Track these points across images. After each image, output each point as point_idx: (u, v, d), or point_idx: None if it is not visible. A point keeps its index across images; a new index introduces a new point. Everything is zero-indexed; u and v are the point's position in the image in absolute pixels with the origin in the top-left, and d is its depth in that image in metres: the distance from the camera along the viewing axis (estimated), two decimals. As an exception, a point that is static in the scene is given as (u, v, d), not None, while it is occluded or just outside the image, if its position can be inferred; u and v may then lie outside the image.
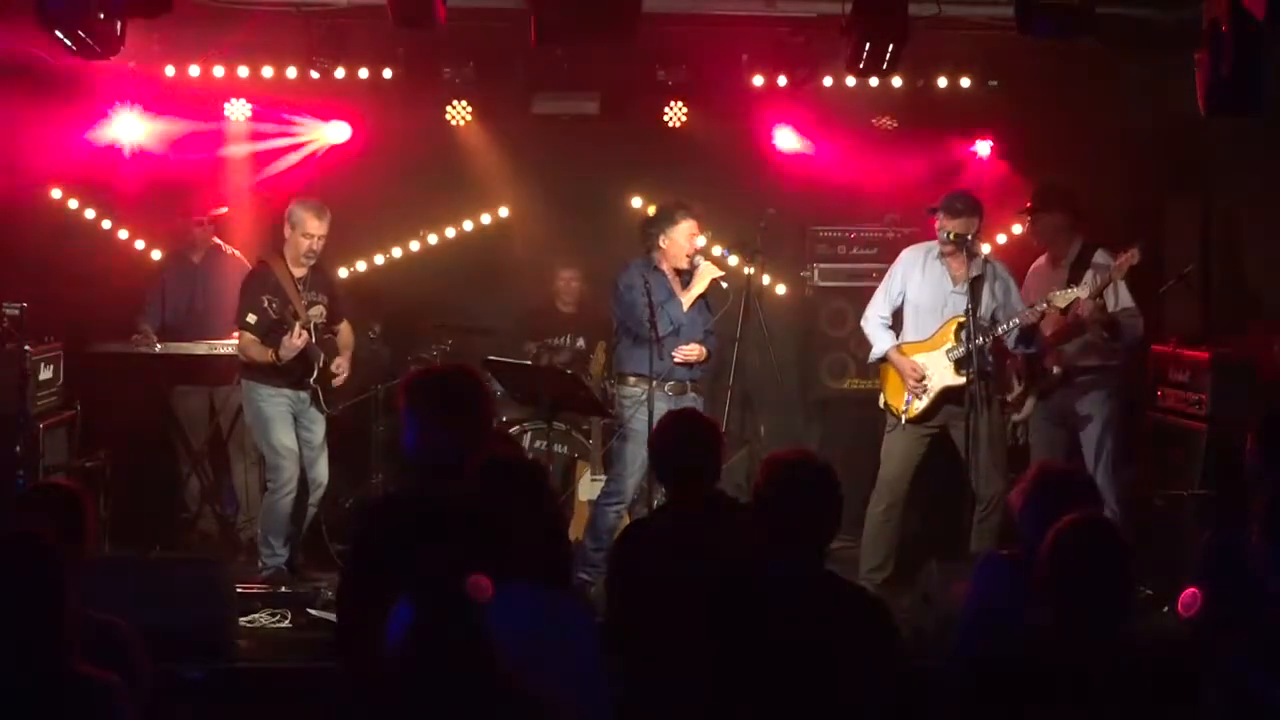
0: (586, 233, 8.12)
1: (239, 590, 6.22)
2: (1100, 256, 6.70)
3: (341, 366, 6.98)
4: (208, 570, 6.10)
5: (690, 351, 6.84)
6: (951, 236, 6.67)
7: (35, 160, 7.86)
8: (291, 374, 6.81)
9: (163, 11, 6.10)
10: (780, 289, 8.43)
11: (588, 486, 7.55)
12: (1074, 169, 8.09)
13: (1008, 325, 6.67)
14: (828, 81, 7.76)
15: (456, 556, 3.24)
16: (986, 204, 7.76)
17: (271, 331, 6.76)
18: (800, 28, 7.29)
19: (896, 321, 6.98)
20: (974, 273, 6.67)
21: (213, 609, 5.71)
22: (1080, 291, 6.57)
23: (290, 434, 6.84)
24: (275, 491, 6.82)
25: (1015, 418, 6.94)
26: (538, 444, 7.46)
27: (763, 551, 3.58)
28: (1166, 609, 6.46)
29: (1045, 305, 6.62)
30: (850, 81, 7.55)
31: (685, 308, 6.88)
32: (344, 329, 7.19)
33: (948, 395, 6.72)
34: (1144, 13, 6.77)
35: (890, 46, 6.34)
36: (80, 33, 5.80)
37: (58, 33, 5.78)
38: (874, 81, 7.40)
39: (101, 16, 5.85)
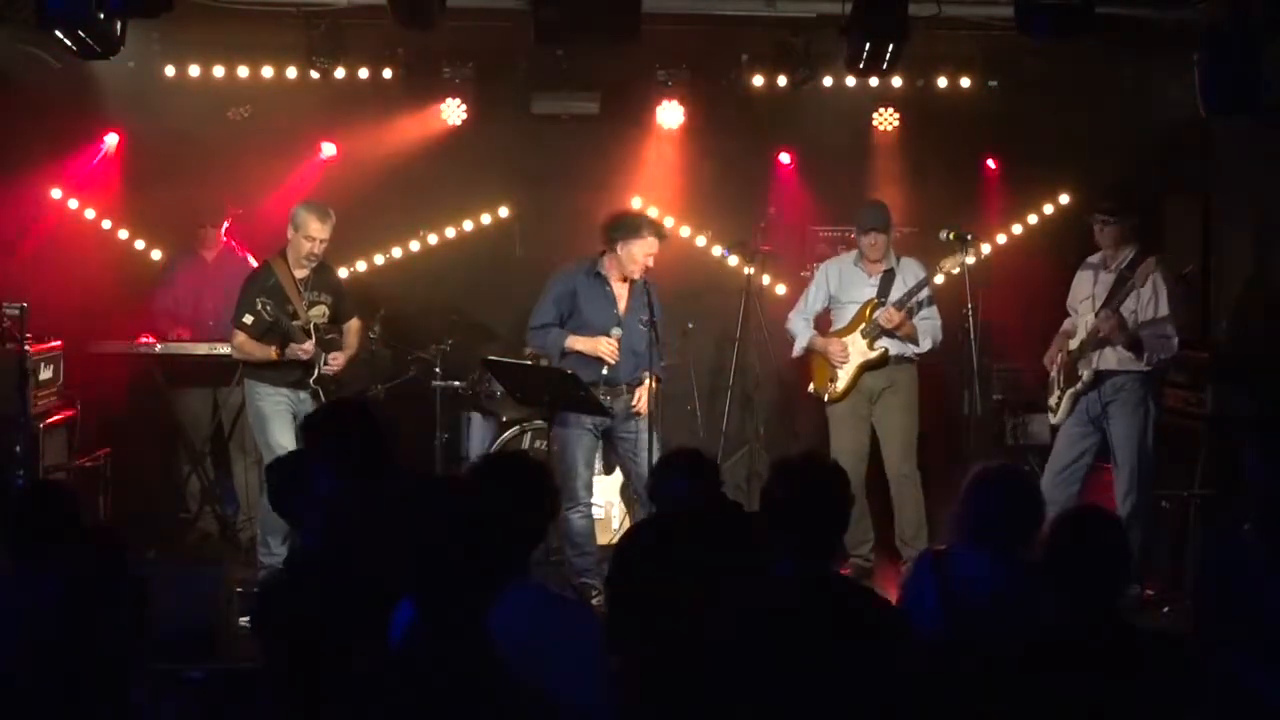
0: (586, 233, 8.11)
1: (239, 590, 6.22)
2: (1143, 267, 6.58)
3: (337, 359, 6.94)
4: (208, 570, 6.09)
5: (612, 348, 6.70)
6: (872, 238, 7.20)
7: (35, 161, 7.87)
8: (291, 373, 6.82)
9: (163, 11, 6.10)
10: (780, 289, 8.43)
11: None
12: (1073, 169, 8.11)
13: (916, 297, 7.13)
14: (828, 81, 7.76)
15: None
16: (986, 204, 7.86)
17: (267, 333, 6.76)
18: (800, 28, 7.29)
19: (822, 324, 7.45)
20: (885, 266, 7.26)
21: (212, 609, 5.71)
22: (965, 258, 7.03)
23: (288, 433, 6.82)
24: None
25: (1053, 421, 6.95)
26: (537, 444, 7.46)
27: (770, 553, 3.59)
28: (1167, 609, 6.48)
29: (937, 272, 7.12)
30: (850, 81, 7.56)
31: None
32: (352, 329, 7.18)
33: (865, 368, 7.22)
34: (1144, 13, 6.77)
35: (890, 46, 6.35)
36: (80, 33, 5.81)
37: (58, 33, 5.79)
38: (874, 81, 7.41)
39: (101, 16, 5.86)
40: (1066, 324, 6.97)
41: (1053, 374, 6.95)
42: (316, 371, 6.85)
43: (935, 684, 3.39)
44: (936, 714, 3.45)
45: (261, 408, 6.83)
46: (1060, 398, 6.84)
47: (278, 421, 6.81)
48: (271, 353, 6.75)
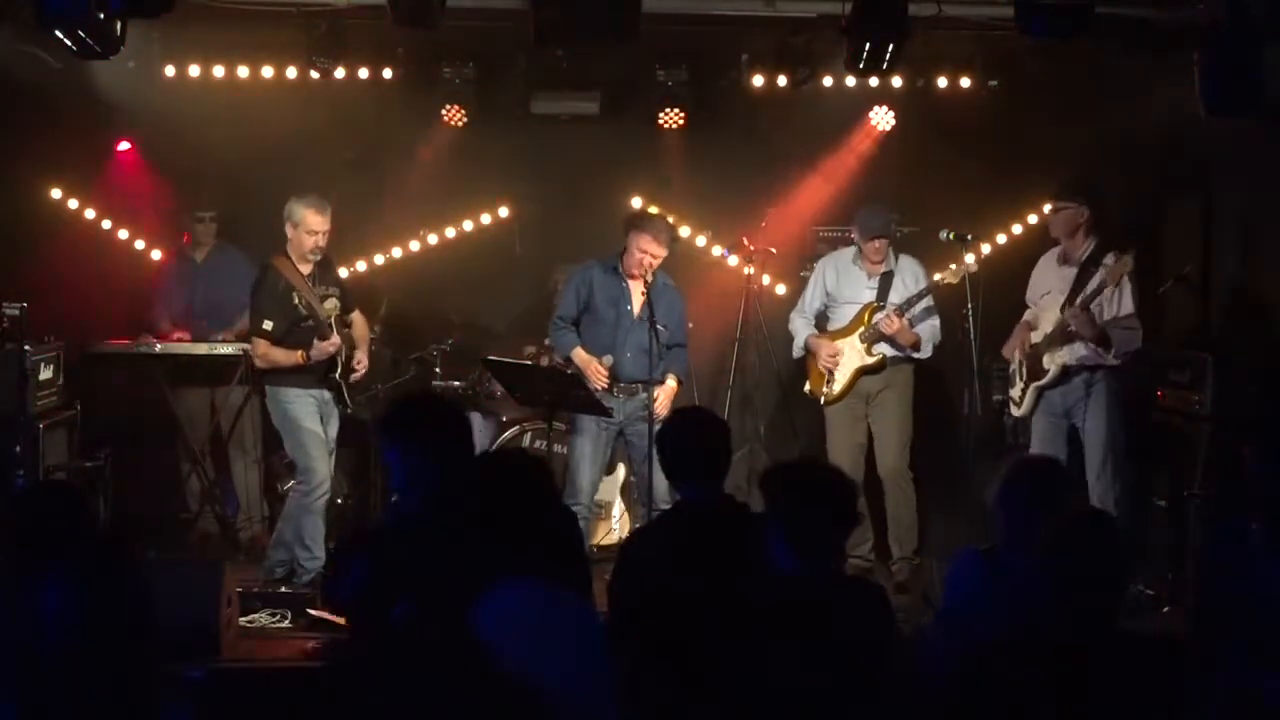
0: (586, 233, 8.12)
1: (239, 590, 6.22)
2: (1108, 259, 6.65)
3: (361, 362, 6.94)
4: (207, 570, 6.09)
5: (601, 374, 6.87)
6: (877, 244, 7.22)
7: (35, 160, 7.87)
8: (316, 372, 6.76)
9: (163, 11, 6.10)
10: (780, 289, 8.43)
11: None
12: (1073, 170, 8.10)
13: (918, 305, 7.14)
14: (828, 81, 7.76)
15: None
16: (985, 206, 7.86)
17: (290, 334, 6.71)
18: (800, 28, 7.29)
19: (822, 323, 7.50)
20: (885, 268, 7.27)
21: (213, 609, 5.71)
22: (972, 266, 7.01)
23: (321, 430, 6.77)
24: (310, 494, 6.69)
25: (1016, 414, 6.98)
26: (537, 444, 7.46)
27: (778, 555, 3.60)
28: (1167, 609, 6.48)
29: (939, 280, 7.13)
30: (850, 81, 7.56)
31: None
32: (358, 320, 7.15)
33: (863, 372, 7.24)
34: (1144, 13, 6.76)
35: (890, 46, 6.35)
36: (80, 33, 5.81)
37: (58, 32, 5.79)
38: (874, 81, 7.41)
39: (101, 16, 5.86)
40: (1027, 315, 7.01)
41: (1013, 366, 6.99)
42: (340, 366, 6.82)
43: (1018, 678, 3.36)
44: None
45: (290, 410, 6.74)
46: (1024, 391, 6.89)
47: (310, 421, 6.74)
48: (298, 356, 6.67)
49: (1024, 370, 6.92)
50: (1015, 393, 6.99)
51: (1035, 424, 6.89)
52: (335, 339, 6.69)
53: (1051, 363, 6.75)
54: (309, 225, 6.74)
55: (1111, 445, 6.66)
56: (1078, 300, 6.63)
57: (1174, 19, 6.75)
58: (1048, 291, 6.90)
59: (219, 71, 7.76)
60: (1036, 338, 6.86)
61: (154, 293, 7.99)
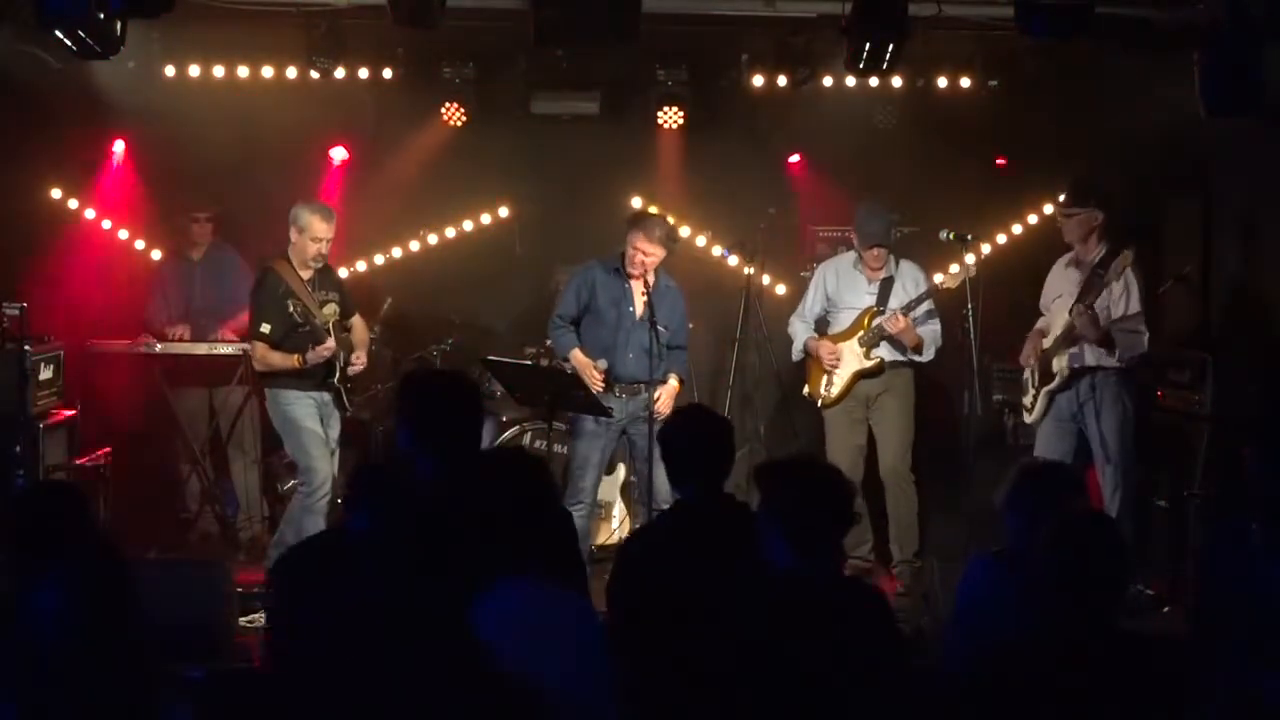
0: (586, 233, 8.13)
1: (239, 590, 6.22)
2: (1117, 263, 6.63)
3: (360, 359, 6.94)
4: (208, 570, 6.09)
5: (596, 378, 6.85)
6: (876, 251, 7.24)
7: (35, 160, 7.87)
8: (314, 376, 6.76)
9: (163, 11, 6.10)
10: (780, 289, 8.43)
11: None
12: (1074, 169, 8.11)
13: (919, 308, 7.16)
14: (828, 81, 7.76)
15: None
16: (985, 206, 7.86)
17: (288, 339, 6.71)
18: (800, 28, 7.29)
19: (822, 328, 7.48)
20: (885, 274, 7.28)
21: (213, 609, 5.71)
22: (970, 269, 7.03)
23: (321, 430, 6.77)
24: (311, 495, 6.66)
25: (1028, 420, 6.96)
26: (537, 444, 7.46)
27: (776, 553, 3.60)
28: (1167, 609, 6.48)
29: (939, 283, 7.16)
30: (850, 81, 7.56)
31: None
32: (358, 324, 7.15)
33: (860, 376, 7.26)
34: (1144, 13, 6.77)
35: (890, 46, 6.35)
36: (80, 33, 5.81)
37: (58, 32, 5.79)
38: (874, 81, 7.41)
39: (101, 16, 5.86)
40: (1040, 323, 7.01)
41: (1026, 373, 6.98)
42: (338, 370, 6.82)
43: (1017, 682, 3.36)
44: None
45: (289, 412, 6.74)
46: (1036, 396, 6.87)
47: (310, 422, 6.75)
48: (294, 360, 6.66)
49: (1036, 376, 6.89)
50: (1028, 400, 6.94)
51: (1041, 427, 6.87)
52: (330, 343, 6.69)
53: (1059, 365, 6.74)
54: (315, 232, 6.74)
55: (1117, 448, 6.63)
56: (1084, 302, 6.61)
57: (1174, 19, 6.75)
58: (1059, 296, 6.88)
59: (219, 71, 7.75)
60: (1047, 342, 6.83)
61: (151, 293, 8.00)
